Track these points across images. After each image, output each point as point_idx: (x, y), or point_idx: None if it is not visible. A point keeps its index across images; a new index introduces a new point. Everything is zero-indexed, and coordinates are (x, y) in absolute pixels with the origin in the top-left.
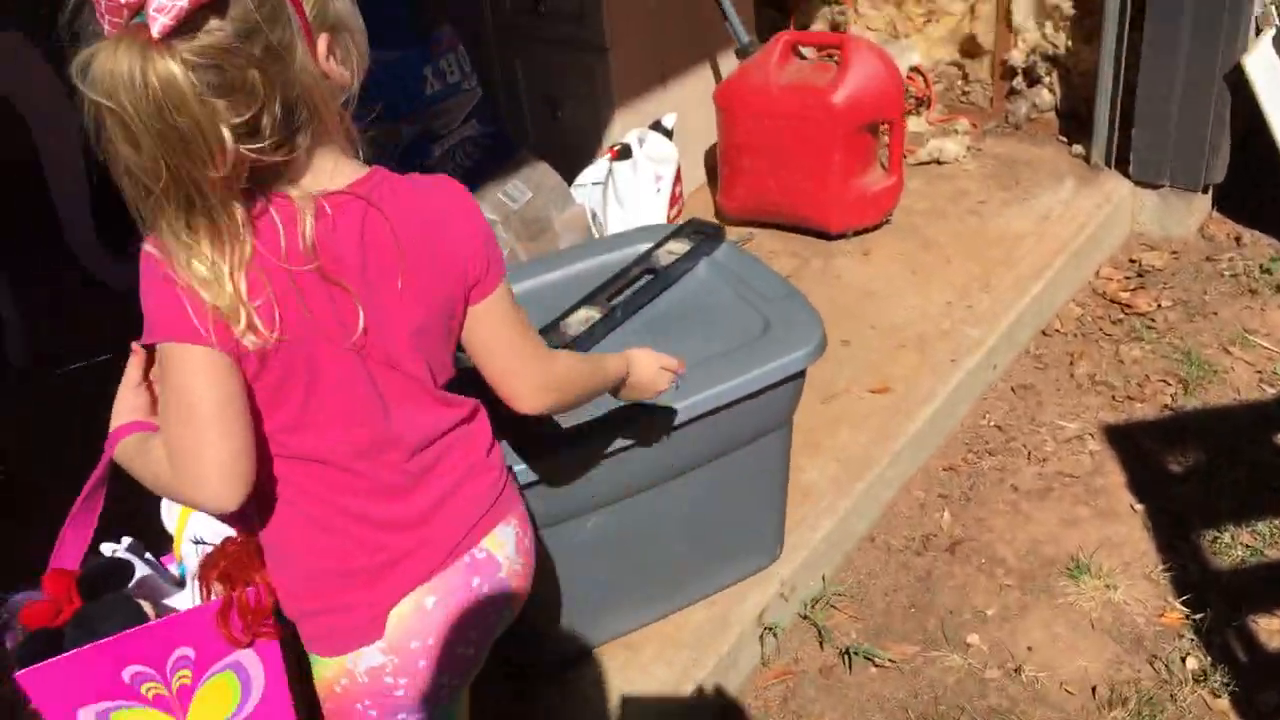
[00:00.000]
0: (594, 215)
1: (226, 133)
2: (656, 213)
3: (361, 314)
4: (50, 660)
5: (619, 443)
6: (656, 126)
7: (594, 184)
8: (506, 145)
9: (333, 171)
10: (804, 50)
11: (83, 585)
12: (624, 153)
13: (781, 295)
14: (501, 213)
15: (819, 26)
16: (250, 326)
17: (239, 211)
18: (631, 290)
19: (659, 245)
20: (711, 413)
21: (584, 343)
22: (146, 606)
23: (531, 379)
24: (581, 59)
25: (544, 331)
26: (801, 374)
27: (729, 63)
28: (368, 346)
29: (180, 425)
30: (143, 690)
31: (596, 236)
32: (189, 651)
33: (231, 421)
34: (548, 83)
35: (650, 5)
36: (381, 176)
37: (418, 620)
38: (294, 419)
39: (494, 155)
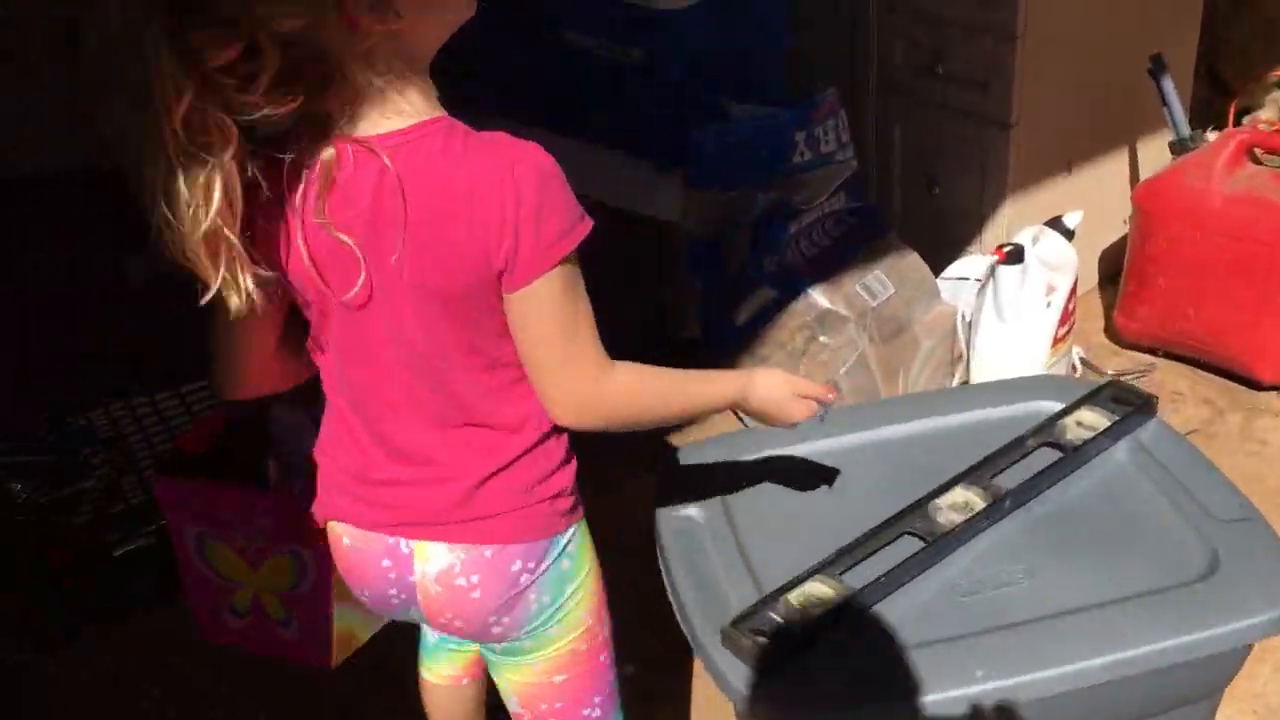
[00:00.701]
0: (963, 317)
1: (189, 84)
2: (1043, 331)
3: (363, 272)
4: (170, 476)
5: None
6: (1055, 224)
7: (974, 280)
8: (872, 223)
9: (378, 124)
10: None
11: (221, 437)
12: (1014, 255)
13: (1237, 517)
14: (857, 309)
15: (1269, 114)
16: (229, 286)
17: (216, 174)
18: (1027, 472)
19: (1067, 411)
20: (1127, 677)
21: (962, 537)
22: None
23: (569, 394)
24: (977, 132)
25: (906, 514)
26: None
27: (1152, 155)
28: (370, 305)
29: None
30: (232, 535)
31: (963, 345)
32: (266, 523)
33: (231, 332)
34: (929, 154)
35: (1070, 78)
36: (423, 133)
37: (335, 544)
38: (309, 343)
39: (858, 233)
